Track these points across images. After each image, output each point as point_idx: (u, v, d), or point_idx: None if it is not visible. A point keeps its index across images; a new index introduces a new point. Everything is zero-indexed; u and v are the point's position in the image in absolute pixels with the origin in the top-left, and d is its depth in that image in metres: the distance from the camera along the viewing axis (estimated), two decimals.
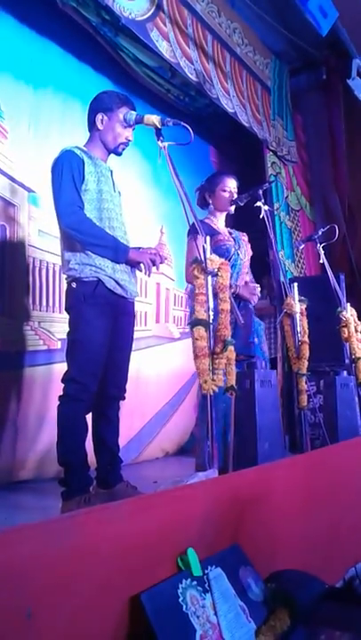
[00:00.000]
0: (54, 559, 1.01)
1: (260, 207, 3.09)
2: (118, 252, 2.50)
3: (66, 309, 2.58)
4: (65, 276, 2.56)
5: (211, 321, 2.12)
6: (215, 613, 1.28)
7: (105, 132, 2.60)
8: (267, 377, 2.39)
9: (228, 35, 5.05)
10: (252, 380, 2.30)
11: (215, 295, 2.17)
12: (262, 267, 5.32)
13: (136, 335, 2.82)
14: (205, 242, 2.21)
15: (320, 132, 6.58)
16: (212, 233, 3.14)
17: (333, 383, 3.29)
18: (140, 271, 2.62)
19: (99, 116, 2.58)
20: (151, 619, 1.12)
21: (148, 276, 2.61)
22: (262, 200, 3.11)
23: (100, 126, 2.59)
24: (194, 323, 2.15)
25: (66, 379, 2.45)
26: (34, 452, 3.41)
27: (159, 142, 2.27)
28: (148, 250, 2.62)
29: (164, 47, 4.11)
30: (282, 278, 3.63)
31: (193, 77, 4.45)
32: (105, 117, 2.58)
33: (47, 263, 3.72)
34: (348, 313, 3.61)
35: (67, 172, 2.45)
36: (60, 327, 3.62)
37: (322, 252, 3.70)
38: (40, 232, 3.65)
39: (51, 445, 2.60)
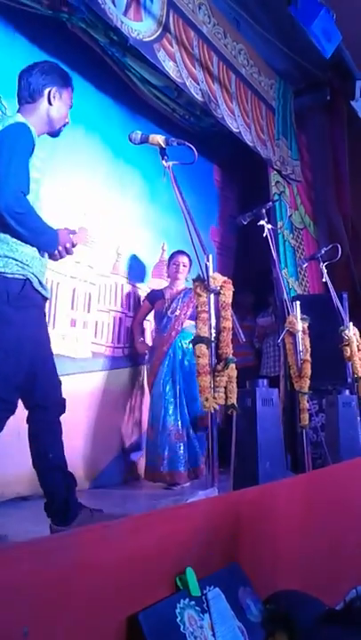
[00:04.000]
0: (51, 578, 1.01)
1: (263, 225, 3.11)
2: (55, 243, 2.18)
3: None
4: None
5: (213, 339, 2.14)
6: (213, 634, 1.27)
7: (55, 109, 2.31)
8: (268, 395, 2.39)
9: (234, 56, 5.13)
10: (253, 398, 2.29)
11: (217, 313, 2.18)
12: (266, 284, 5.35)
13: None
14: (208, 259, 2.23)
15: (324, 151, 6.65)
16: (158, 297, 4.24)
17: (335, 402, 3.29)
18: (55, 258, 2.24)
19: (52, 91, 2.29)
20: (149, 639, 1.12)
21: (57, 259, 2.25)
22: (266, 219, 3.12)
23: (52, 101, 2.30)
24: (196, 340, 2.16)
25: None
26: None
27: (163, 162, 2.28)
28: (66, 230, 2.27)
29: (170, 67, 4.17)
30: (285, 296, 3.64)
31: (199, 97, 4.50)
32: (57, 94, 2.30)
33: (52, 282, 3.73)
34: (351, 332, 3.62)
35: (22, 148, 2.10)
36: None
37: (325, 270, 3.72)
38: None
39: None
